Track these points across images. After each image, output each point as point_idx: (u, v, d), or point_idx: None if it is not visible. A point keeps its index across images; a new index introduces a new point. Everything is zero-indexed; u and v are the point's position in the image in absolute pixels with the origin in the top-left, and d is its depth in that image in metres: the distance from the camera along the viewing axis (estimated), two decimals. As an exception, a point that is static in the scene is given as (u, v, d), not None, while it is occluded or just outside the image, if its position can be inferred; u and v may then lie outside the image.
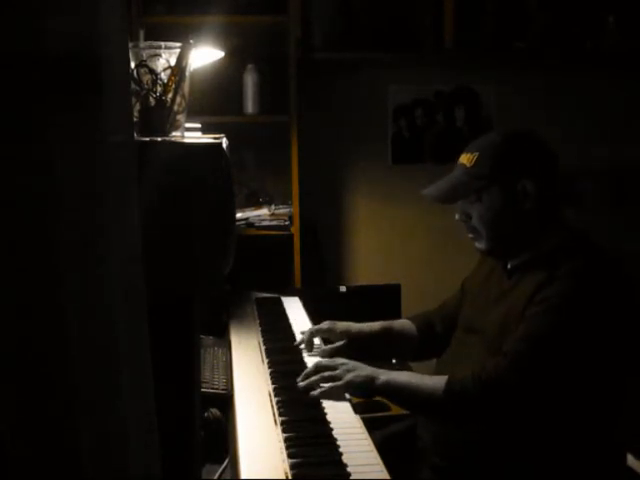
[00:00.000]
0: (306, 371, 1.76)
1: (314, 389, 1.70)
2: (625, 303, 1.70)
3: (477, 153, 1.80)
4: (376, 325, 2.13)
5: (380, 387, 1.73)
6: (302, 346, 2.04)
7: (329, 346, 2.02)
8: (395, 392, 1.74)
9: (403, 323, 2.15)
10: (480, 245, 1.84)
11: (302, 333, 2.10)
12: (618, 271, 1.72)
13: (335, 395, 1.69)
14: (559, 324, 1.64)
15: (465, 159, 1.82)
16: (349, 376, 1.71)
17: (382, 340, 2.11)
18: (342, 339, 2.04)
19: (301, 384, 1.72)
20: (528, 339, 1.64)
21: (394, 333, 2.12)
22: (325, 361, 1.80)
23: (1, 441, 0.76)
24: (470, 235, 1.85)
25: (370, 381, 1.72)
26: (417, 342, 2.11)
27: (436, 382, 1.69)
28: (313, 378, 1.72)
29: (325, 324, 2.08)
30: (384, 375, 1.73)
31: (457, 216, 1.85)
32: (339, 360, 1.79)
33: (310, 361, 1.96)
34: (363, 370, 1.74)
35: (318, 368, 1.75)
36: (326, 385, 1.70)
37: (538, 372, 1.64)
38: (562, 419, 1.68)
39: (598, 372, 1.69)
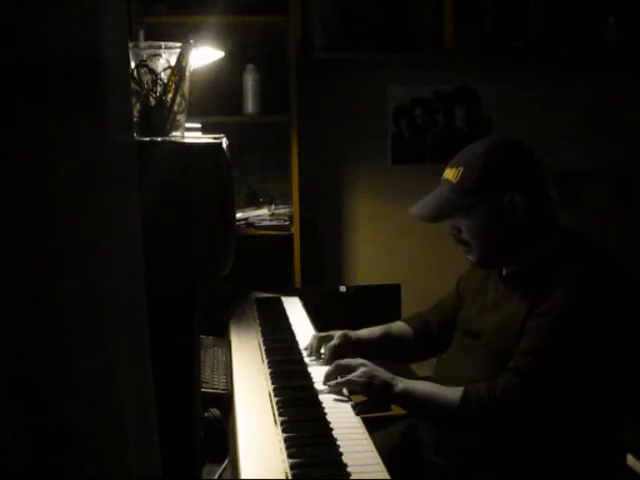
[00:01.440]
0: (327, 371, 1.78)
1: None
2: (627, 304, 1.69)
3: (461, 168, 1.77)
4: (377, 331, 2.12)
5: (397, 394, 1.72)
6: (306, 353, 2.05)
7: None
8: (412, 401, 1.73)
9: (399, 326, 2.15)
10: (472, 257, 1.83)
11: (323, 344, 2.06)
12: (619, 272, 1.70)
13: (349, 394, 1.72)
14: (567, 335, 1.63)
15: (450, 174, 1.80)
16: (368, 378, 1.72)
17: (384, 345, 2.11)
18: (353, 348, 2.03)
19: (323, 386, 1.74)
20: (538, 353, 1.63)
21: (394, 337, 2.12)
22: (345, 361, 1.80)
23: (1, 442, 0.76)
24: (461, 248, 1.84)
25: (388, 387, 1.72)
26: (414, 344, 2.11)
27: (453, 394, 1.68)
28: (333, 380, 1.75)
29: (339, 336, 2.04)
30: (402, 383, 1.73)
31: (447, 230, 1.84)
32: (359, 361, 1.79)
33: (309, 361, 1.98)
34: (382, 374, 1.74)
35: (338, 368, 1.77)
36: (343, 381, 1.73)
37: (551, 386, 1.63)
38: (564, 420, 1.68)
39: (604, 373, 1.68)
